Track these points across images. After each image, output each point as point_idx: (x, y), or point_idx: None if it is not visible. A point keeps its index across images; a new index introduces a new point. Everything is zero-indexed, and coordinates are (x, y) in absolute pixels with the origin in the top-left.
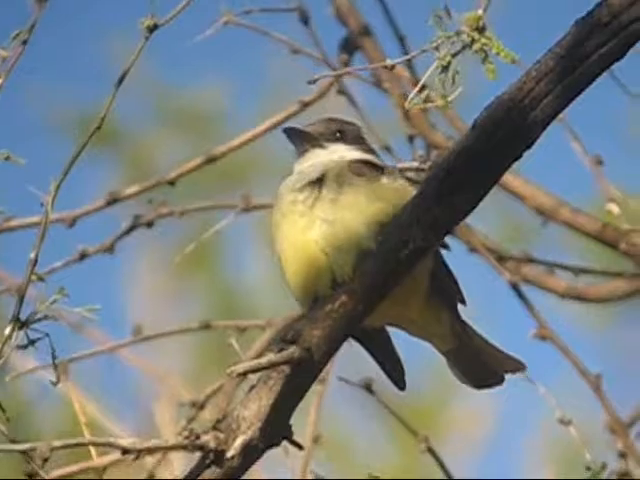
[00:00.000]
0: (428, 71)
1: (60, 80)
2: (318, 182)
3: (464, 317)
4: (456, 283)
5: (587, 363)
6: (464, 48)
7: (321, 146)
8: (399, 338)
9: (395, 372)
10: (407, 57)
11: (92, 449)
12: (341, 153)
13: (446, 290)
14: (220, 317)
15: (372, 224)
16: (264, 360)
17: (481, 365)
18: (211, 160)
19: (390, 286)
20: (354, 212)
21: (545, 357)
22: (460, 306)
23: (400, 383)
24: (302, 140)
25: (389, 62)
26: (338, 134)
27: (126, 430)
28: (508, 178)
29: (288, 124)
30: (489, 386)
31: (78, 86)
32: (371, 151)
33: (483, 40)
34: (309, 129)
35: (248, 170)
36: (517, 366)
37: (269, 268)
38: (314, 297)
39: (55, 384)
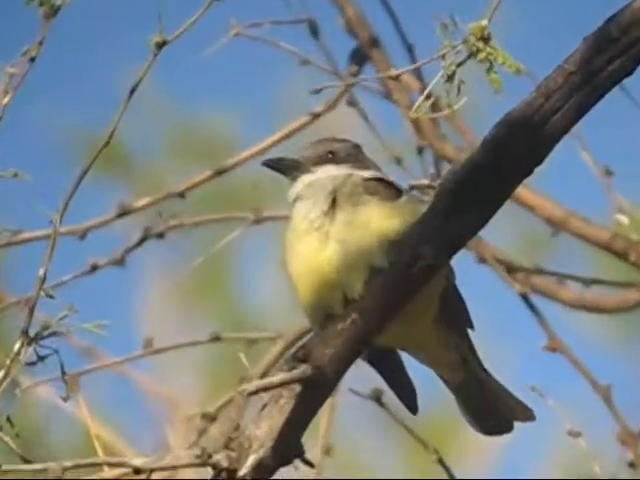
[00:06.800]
0: (434, 80)
1: (67, 100)
2: (332, 204)
3: (474, 347)
4: (466, 308)
5: (597, 374)
6: (469, 57)
7: (308, 171)
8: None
9: (407, 395)
10: (413, 66)
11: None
12: (333, 173)
13: (456, 313)
14: (230, 330)
15: (383, 242)
16: (275, 378)
17: (489, 406)
18: (220, 172)
19: (400, 305)
20: (366, 230)
21: (556, 369)
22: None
23: (412, 406)
24: (287, 168)
25: (394, 72)
26: (330, 155)
27: (137, 445)
28: (518, 189)
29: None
30: (498, 433)
31: (85, 106)
32: (367, 167)
33: (488, 50)
34: (294, 156)
35: (259, 185)
36: (527, 415)
37: (279, 282)
38: (325, 315)
39: (65, 399)
